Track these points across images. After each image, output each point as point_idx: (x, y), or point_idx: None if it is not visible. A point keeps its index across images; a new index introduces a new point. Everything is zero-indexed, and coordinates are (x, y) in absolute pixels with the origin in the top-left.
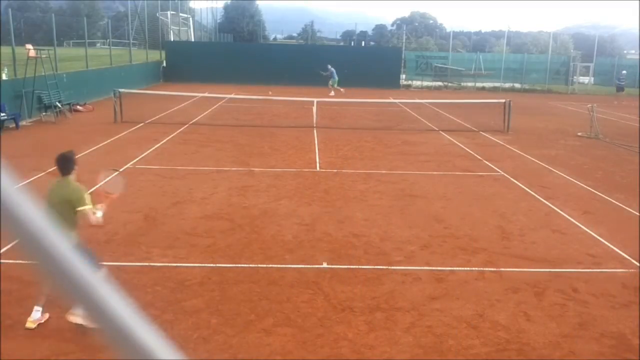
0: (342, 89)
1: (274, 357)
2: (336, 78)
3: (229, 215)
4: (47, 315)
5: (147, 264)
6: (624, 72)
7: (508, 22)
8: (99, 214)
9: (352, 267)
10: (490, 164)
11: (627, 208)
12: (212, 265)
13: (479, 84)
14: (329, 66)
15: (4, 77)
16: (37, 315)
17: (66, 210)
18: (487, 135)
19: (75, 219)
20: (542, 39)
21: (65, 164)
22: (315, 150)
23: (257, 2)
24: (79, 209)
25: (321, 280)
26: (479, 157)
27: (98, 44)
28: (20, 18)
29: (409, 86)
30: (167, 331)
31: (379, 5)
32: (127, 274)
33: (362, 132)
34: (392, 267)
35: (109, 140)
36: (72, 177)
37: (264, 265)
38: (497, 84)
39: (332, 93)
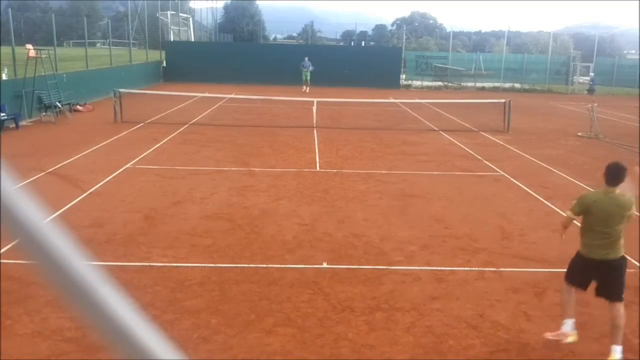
0: (306, 88)
1: (274, 357)
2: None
3: (229, 215)
4: None
5: (147, 264)
6: (592, 74)
7: (508, 22)
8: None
9: (352, 267)
10: (490, 164)
11: None
12: (212, 265)
13: (479, 84)
14: (307, 59)
15: (4, 77)
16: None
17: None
18: (487, 135)
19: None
20: (542, 39)
21: (619, 173)
22: (315, 150)
23: (257, 2)
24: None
25: (321, 280)
26: (479, 157)
27: (98, 44)
28: (20, 18)
29: (408, 86)
30: (167, 331)
31: (379, 5)
32: (127, 274)
33: (362, 132)
34: (392, 267)
35: (109, 140)
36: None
37: (264, 265)
38: (497, 84)
39: (305, 89)
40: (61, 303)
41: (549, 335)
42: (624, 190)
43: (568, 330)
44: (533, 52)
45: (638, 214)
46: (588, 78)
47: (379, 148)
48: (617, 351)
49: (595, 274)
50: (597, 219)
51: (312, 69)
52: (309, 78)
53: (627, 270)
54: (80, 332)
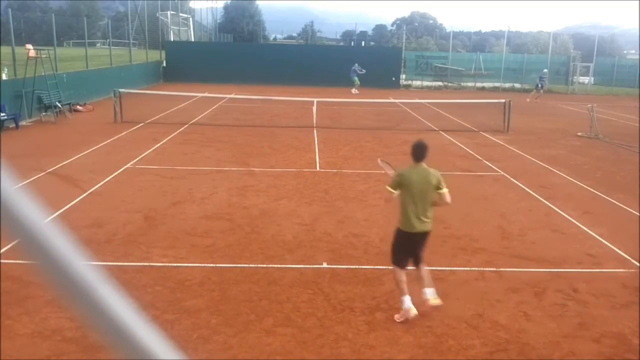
0: (355, 90)
1: (274, 357)
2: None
3: (229, 215)
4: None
5: (147, 264)
6: (545, 70)
7: (508, 22)
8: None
9: (352, 267)
10: (490, 164)
11: (627, 208)
12: (212, 265)
13: (479, 84)
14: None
15: (4, 77)
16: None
17: (430, 194)
18: (487, 135)
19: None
20: (542, 39)
21: (422, 150)
22: (315, 150)
23: (257, 2)
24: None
25: (321, 280)
26: (479, 157)
27: (98, 44)
28: (20, 18)
29: (408, 86)
30: (167, 331)
31: (379, 5)
32: (127, 274)
33: (362, 132)
34: (392, 267)
35: (109, 140)
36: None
37: (264, 265)
38: (497, 84)
39: (355, 91)
40: (61, 303)
41: (397, 318)
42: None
43: (409, 306)
44: (533, 52)
45: (447, 189)
46: (588, 78)
47: (379, 148)
48: (429, 292)
49: (413, 244)
50: (413, 193)
51: (363, 71)
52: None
53: (627, 270)
54: (80, 332)
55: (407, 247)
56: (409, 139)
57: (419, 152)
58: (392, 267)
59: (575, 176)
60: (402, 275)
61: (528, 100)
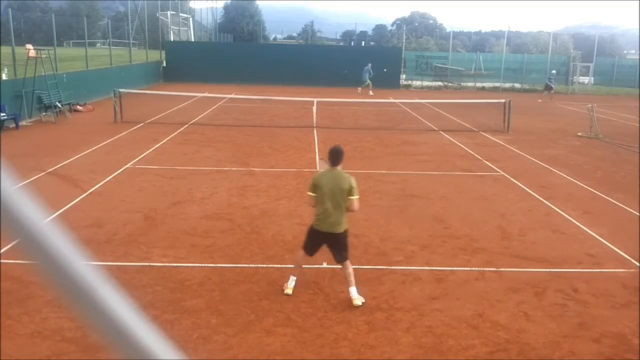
0: (368, 90)
1: (274, 357)
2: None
3: (229, 215)
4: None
5: (147, 264)
6: (554, 71)
7: (508, 22)
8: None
9: (352, 267)
10: (490, 164)
11: (627, 208)
12: (212, 265)
13: (479, 84)
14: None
15: (4, 77)
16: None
17: (343, 196)
18: (487, 135)
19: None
20: (542, 39)
21: (338, 155)
22: (315, 150)
23: (257, 2)
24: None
25: (321, 280)
26: (479, 157)
27: (98, 44)
28: (20, 18)
29: (408, 86)
30: (167, 331)
31: (379, 5)
32: (127, 274)
33: (362, 132)
34: (392, 267)
35: (109, 140)
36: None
37: (264, 265)
38: (497, 84)
39: (371, 92)
40: (61, 303)
41: (284, 287)
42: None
43: (290, 285)
44: (533, 52)
45: (357, 196)
46: (588, 78)
47: (379, 148)
48: (353, 291)
49: (324, 243)
50: (324, 194)
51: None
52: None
53: (627, 270)
54: (80, 332)
55: (317, 242)
56: (409, 139)
57: (334, 157)
58: (300, 250)
59: (575, 176)
60: (301, 260)
61: (540, 100)
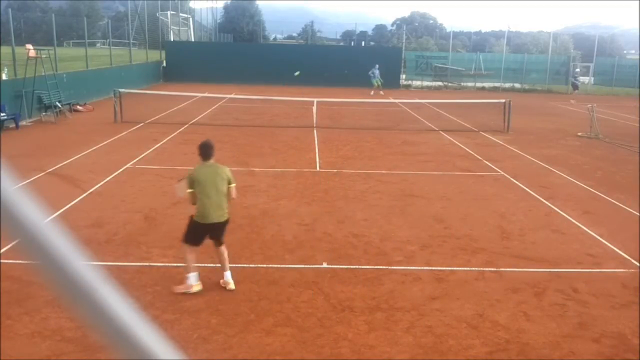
0: (381, 91)
1: (273, 357)
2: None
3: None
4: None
5: (147, 264)
6: (578, 70)
7: (508, 22)
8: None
9: (352, 267)
10: (490, 164)
11: (627, 208)
12: (212, 265)
13: (479, 84)
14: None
15: (4, 77)
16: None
17: (224, 186)
18: (487, 135)
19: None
20: (542, 39)
21: (208, 149)
22: (315, 150)
23: (257, 2)
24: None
25: (321, 280)
26: (479, 157)
27: (98, 44)
28: (20, 18)
29: (408, 86)
30: (167, 331)
31: (379, 5)
32: (127, 274)
33: (362, 132)
34: (392, 267)
35: (109, 140)
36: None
37: (264, 265)
38: (497, 84)
39: (372, 93)
40: (61, 303)
41: (177, 289)
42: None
43: (193, 282)
44: (533, 52)
45: (235, 184)
46: (571, 77)
47: (379, 148)
48: (228, 275)
49: (208, 233)
50: (206, 187)
51: (381, 82)
52: (379, 83)
53: (627, 270)
54: (80, 332)
55: (202, 234)
56: (409, 139)
57: (205, 151)
58: (182, 245)
59: (575, 176)
60: (191, 254)
61: (573, 101)
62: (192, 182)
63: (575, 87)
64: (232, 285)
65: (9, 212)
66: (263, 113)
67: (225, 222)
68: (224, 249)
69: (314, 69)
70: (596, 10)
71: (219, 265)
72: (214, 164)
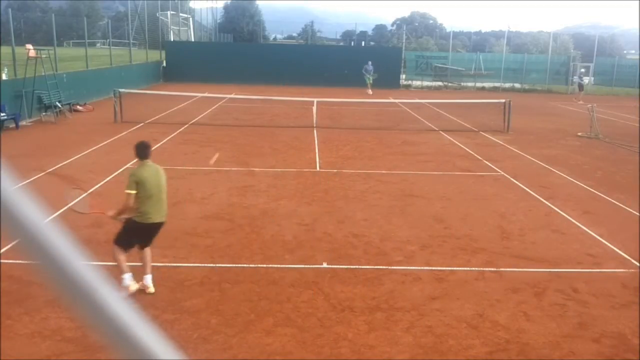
0: (369, 91)
1: (273, 357)
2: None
3: (229, 215)
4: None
5: None
6: (583, 70)
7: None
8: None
9: (352, 267)
10: (490, 164)
11: (627, 208)
12: (212, 265)
13: (479, 84)
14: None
15: (4, 77)
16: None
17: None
18: (487, 135)
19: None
20: (542, 39)
21: (145, 149)
22: (315, 150)
23: (257, 2)
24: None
25: (321, 280)
26: (479, 157)
27: (98, 44)
28: (20, 18)
29: (408, 86)
30: (167, 331)
31: (379, 5)
32: None
33: (362, 132)
34: (392, 267)
35: (109, 140)
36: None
37: (264, 265)
38: (497, 84)
39: (370, 92)
40: (61, 303)
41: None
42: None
43: (129, 283)
44: (533, 52)
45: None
46: (577, 77)
47: (379, 148)
48: (148, 279)
49: (147, 233)
50: (151, 187)
51: (376, 76)
52: (371, 82)
53: (627, 270)
54: (80, 332)
55: (141, 235)
56: (409, 139)
57: (141, 151)
58: (114, 247)
59: (575, 176)
60: (123, 255)
61: (581, 102)
62: (135, 183)
63: (581, 87)
64: (151, 289)
65: (9, 212)
66: (263, 113)
67: (163, 224)
68: (149, 251)
69: (314, 69)
70: (596, 10)
71: (140, 264)
72: (154, 164)
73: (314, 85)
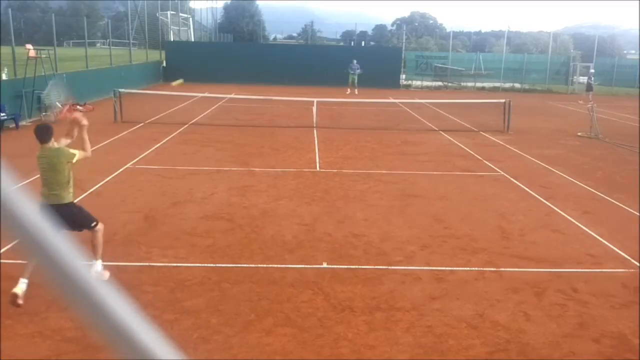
0: (355, 90)
1: (273, 357)
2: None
3: (229, 215)
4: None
5: (147, 264)
6: (592, 71)
7: (508, 22)
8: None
9: (352, 267)
10: (490, 164)
11: (627, 208)
12: (212, 265)
13: (478, 84)
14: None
15: (4, 77)
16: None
17: (60, 170)
18: (487, 135)
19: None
20: (542, 39)
21: (44, 132)
22: (315, 150)
23: (257, 2)
24: (74, 160)
25: (321, 280)
26: (479, 157)
27: (98, 44)
28: (20, 18)
29: (408, 86)
30: (167, 331)
31: (379, 5)
32: (127, 274)
33: (362, 132)
34: (392, 267)
35: (109, 140)
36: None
37: (264, 265)
38: (497, 84)
39: (348, 92)
40: (61, 303)
41: (18, 300)
42: (61, 142)
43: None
44: (533, 52)
45: (77, 151)
46: (587, 77)
47: (379, 148)
48: (98, 264)
49: (58, 218)
50: (45, 171)
51: (360, 72)
52: (356, 81)
53: (627, 270)
54: (80, 332)
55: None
56: (409, 139)
57: (40, 134)
58: None
59: (575, 176)
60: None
61: (581, 102)
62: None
63: (590, 88)
64: (107, 275)
65: (9, 212)
66: (263, 113)
67: (66, 206)
68: (96, 234)
69: (314, 69)
70: (596, 10)
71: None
72: (50, 147)
73: (314, 85)
